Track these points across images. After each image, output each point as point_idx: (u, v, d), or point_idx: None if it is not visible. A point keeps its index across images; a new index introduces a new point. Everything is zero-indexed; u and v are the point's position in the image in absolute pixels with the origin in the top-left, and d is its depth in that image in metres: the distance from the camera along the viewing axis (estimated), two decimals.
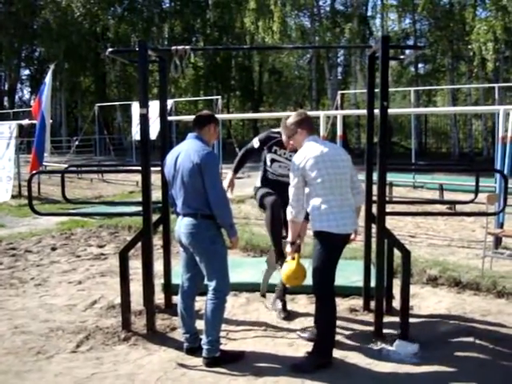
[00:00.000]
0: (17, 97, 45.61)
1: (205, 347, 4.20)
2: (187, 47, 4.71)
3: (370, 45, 4.92)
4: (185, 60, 4.70)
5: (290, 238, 4.30)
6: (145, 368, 4.17)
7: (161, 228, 5.47)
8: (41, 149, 12.95)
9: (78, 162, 23.85)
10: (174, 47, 4.74)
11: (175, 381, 3.96)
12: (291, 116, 4.47)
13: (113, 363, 4.26)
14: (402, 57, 5.51)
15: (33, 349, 4.53)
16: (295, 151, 4.48)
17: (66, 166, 8.43)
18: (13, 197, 13.28)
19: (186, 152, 4.17)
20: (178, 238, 4.31)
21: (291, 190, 4.23)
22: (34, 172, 5.89)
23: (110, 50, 4.77)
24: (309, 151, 4.19)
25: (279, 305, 5.29)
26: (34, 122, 12.94)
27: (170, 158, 4.33)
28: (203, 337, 4.23)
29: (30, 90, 44.59)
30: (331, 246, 4.23)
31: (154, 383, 3.92)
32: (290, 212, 4.24)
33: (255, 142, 5.24)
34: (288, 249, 4.34)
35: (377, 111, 4.61)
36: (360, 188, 4.47)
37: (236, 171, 5.31)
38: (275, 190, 5.05)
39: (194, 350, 4.36)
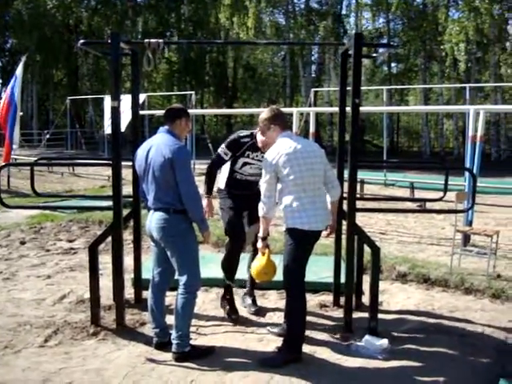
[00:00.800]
0: None
1: (174, 342, 4.18)
2: (160, 40, 4.68)
3: (343, 42, 4.94)
4: (158, 53, 4.66)
5: (261, 234, 4.30)
6: (113, 363, 4.14)
7: (131, 223, 5.44)
8: (11, 142, 12.76)
9: (48, 155, 23.58)
10: (146, 40, 4.71)
11: (144, 376, 3.93)
12: (264, 112, 4.45)
13: (81, 358, 4.22)
14: (374, 55, 5.55)
15: (0, 343, 4.46)
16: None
17: (35, 159, 8.29)
18: None
19: (158, 146, 4.14)
20: (149, 232, 4.28)
21: (263, 186, 4.22)
22: (3, 164, 5.79)
23: (81, 41, 4.71)
24: (282, 147, 4.20)
25: (249, 300, 5.30)
26: None
27: (141, 152, 4.30)
28: (173, 331, 4.22)
29: (0, 81, 43.86)
30: (303, 242, 4.25)
31: (122, 378, 3.89)
32: (261, 208, 4.23)
33: (224, 153, 4.92)
34: (259, 244, 4.35)
35: (349, 109, 4.63)
36: (335, 182, 4.46)
37: (210, 192, 5.01)
38: (243, 190, 5.00)
39: (164, 345, 4.34)
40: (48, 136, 24.76)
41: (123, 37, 5.03)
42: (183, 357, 4.17)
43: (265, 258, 4.31)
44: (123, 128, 12.25)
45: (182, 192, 4.07)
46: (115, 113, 4.59)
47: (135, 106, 5.27)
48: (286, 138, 4.29)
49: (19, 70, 12.71)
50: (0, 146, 16.19)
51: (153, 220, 4.20)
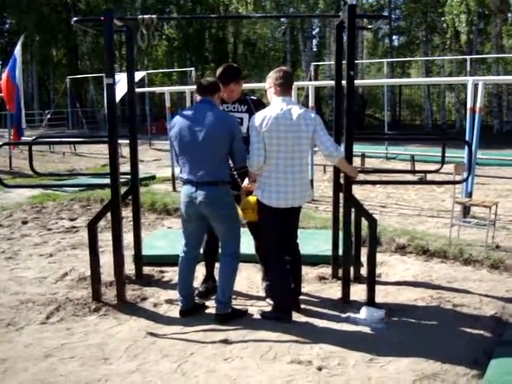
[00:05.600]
0: None
1: (220, 305, 4.41)
2: (153, 16, 4.66)
3: (338, 14, 4.90)
4: (151, 29, 4.64)
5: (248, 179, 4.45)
6: (115, 338, 4.20)
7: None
8: (20, 122, 12.76)
9: (49, 135, 23.56)
10: (140, 16, 4.69)
11: (145, 349, 4.00)
12: (274, 70, 4.49)
13: (83, 333, 4.28)
14: (369, 26, 5.52)
15: (3, 321, 4.52)
16: (238, 101, 4.75)
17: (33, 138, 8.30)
18: None
19: (215, 118, 4.22)
20: (193, 207, 4.32)
21: (253, 146, 4.24)
22: (0, 144, 5.81)
23: (75, 18, 4.70)
24: (271, 111, 4.25)
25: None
26: (0, 95, 12.68)
27: (183, 124, 4.30)
28: (219, 295, 4.43)
29: (0, 62, 43.62)
30: (270, 217, 4.37)
31: (123, 352, 3.95)
32: (249, 166, 4.31)
33: None
34: (245, 182, 4.47)
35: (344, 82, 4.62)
36: (331, 147, 4.28)
37: None
38: None
39: (189, 312, 4.55)
40: (49, 116, 24.69)
41: (120, 14, 5.01)
42: (225, 318, 4.40)
43: (250, 197, 4.46)
44: (117, 99, 12.26)
45: (240, 158, 4.33)
46: (110, 90, 4.59)
47: (131, 83, 5.26)
48: (280, 101, 4.30)
49: (18, 51, 12.64)
50: (5, 127, 16.22)
51: (200, 195, 4.25)
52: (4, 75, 12.77)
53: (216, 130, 4.19)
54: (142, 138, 21.38)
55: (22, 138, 12.32)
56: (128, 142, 5.30)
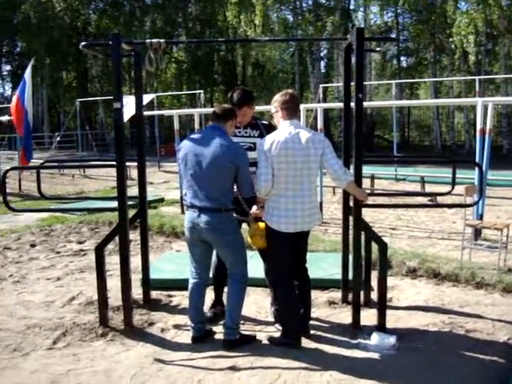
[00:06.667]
0: None
1: (228, 330, 4.36)
2: (161, 40, 4.66)
3: (346, 37, 4.89)
4: (159, 53, 4.65)
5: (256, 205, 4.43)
6: (121, 364, 4.14)
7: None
8: (28, 145, 12.85)
9: (59, 157, 23.68)
10: (148, 40, 4.69)
11: (152, 376, 3.94)
12: (278, 93, 4.46)
13: (89, 359, 4.23)
14: (377, 49, 5.50)
15: (9, 346, 4.48)
16: (250, 126, 4.71)
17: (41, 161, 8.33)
18: None
19: (217, 146, 4.17)
20: (196, 233, 4.30)
21: (261, 170, 4.19)
22: (9, 168, 5.82)
23: (83, 43, 4.71)
24: (280, 135, 4.21)
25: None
26: (11, 118, 12.81)
27: (190, 148, 4.28)
28: (227, 321, 4.37)
29: (11, 85, 44.08)
30: (278, 240, 4.32)
31: (130, 379, 3.90)
32: (257, 191, 4.27)
33: None
34: (254, 208, 4.44)
35: (353, 104, 4.60)
36: (339, 170, 4.24)
37: None
38: None
39: (200, 339, 4.48)
40: (58, 138, 24.85)
41: (132, 38, 5.02)
42: (234, 344, 4.34)
43: (259, 223, 4.42)
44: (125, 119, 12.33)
45: (247, 189, 4.29)
46: (118, 114, 4.58)
47: (139, 106, 5.26)
48: (288, 125, 4.27)
49: (27, 74, 12.77)
50: (15, 149, 16.30)
51: (203, 222, 4.22)
52: (14, 98, 12.89)
53: (219, 160, 4.16)
54: (151, 160, 21.49)
55: (32, 161, 12.40)
56: (137, 164, 5.29)
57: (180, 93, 34.40)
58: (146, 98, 17.14)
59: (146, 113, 17.29)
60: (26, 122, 12.33)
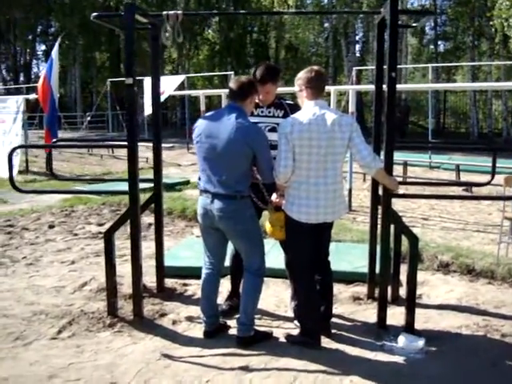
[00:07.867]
0: (32, 72, 45.39)
1: (242, 327, 4.05)
2: (179, 12, 4.33)
3: (379, 11, 4.47)
4: (177, 26, 4.31)
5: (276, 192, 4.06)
6: (126, 358, 3.86)
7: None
8: (53, 124, 12.66)
9: (89, 137, 23.66)
10: (165, 12, 4.36)
11: (157, 373, 3.65)
12: (303, 70, 4.04)
13: (93, 352, 3.96)
14: (413, 24, 5.06)
15: (12, 334, 4.25)
16: (274, 105, 4.34)
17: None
18: (20, 172, 13.06)
19: (236, 130, 3.79)
20: (209, 220, 3.99)
21: (280, 154, 3.82)
22: (15, 147, 5.61)
23: (94, 14, 4.40)
24: (302, 116, 3.83)
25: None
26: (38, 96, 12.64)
27: (204, 129, 3.94)
28: (241, 316, 4.06)
29: (45, 64, 44.26)
30: (298, 232, 3.97)
31: (133, 376, 3.61)
32: (276, 177, 3.90)
33: None
34: (274, 196, 4.07)
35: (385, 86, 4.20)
36: (368, 157, 3.86)
37: None
38: None
39: (212, 334, 4.19)
40: (89, 118, 24.81)
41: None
42: (248, 341, 4.04)
43: (278, 212, 4.05)
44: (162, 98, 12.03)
45: (268, 175, 3.92)
46: (130, 91, 4.26)
47: (155, 87, 4.94)
48: (313, 105, 3.88)
49: (55, 52, 12.56)
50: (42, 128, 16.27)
51: (216, 208, 3.89)
52: (41, 77, 12.72)
53: (235, 144, 3.78)
54: (180, 142, 21.30)
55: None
56: (169, 146, 4.99)
57: (210, 74, 34.04)
58: (177, 80, 16.84)
59: (173, 93, 17.06)
60: (52, 100, 12.13)
